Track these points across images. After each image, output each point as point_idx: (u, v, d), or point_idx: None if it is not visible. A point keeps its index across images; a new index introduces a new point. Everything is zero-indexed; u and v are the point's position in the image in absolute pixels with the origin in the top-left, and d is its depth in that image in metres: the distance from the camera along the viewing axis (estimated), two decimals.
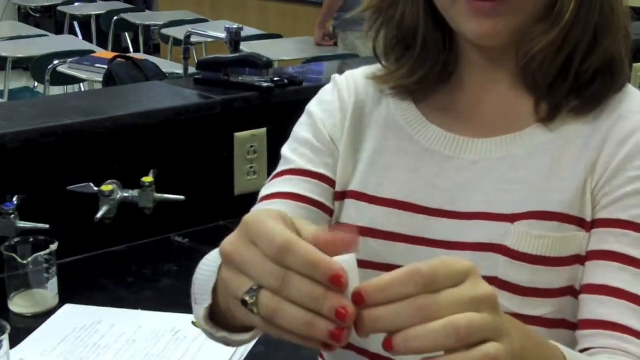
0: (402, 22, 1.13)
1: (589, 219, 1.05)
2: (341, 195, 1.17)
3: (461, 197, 1.10)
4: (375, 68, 1.20)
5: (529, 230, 1.04)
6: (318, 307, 0.69)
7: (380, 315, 0.70)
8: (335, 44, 5.36)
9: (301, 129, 1.21)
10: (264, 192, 1.18)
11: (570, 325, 1.05)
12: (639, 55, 3.11)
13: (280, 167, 1.19)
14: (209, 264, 0.94)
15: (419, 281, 0.70)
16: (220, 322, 0.91)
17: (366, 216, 1.13)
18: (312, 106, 1.22)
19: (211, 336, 0.95)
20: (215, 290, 0.88)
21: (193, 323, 0.95)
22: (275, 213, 0.74)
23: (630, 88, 1.11)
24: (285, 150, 1.21)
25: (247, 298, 0.72)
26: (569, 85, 1.08)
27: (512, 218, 1.06)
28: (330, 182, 1.17)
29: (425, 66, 1.14)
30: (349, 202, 1.16)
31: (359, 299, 0.70)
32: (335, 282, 0.69)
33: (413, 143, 1.14)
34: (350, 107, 1.19)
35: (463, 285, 0.72)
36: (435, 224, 1.10)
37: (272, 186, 1.17)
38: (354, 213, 1.15)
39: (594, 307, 1.02)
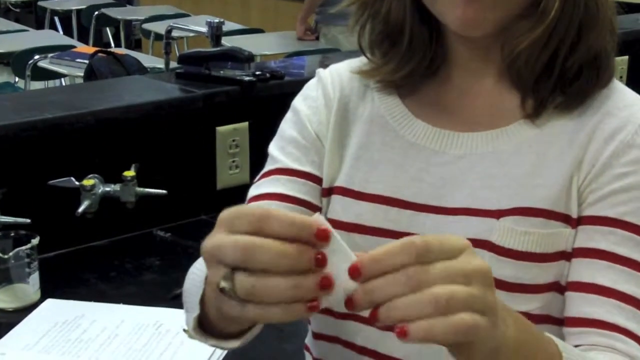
0: (388, 16, 1.13)
1: (574, 215, 1.05)
2: (328, 192, 1.17)
3: (447, 192, 1.10)
4: (359, 62, 1.20)
5: (514, 226, 1.05)
6: (294, 265, 0.70)
7: (374, 287, 0.71)
8: (317, 39, 5.36)
9: (287, 126, 1.21)
10: (252, 192, 1.18)
11: (555, 321, 1.06)
12: (621, 49, 3.13)
13: (268, 167, 1.19)
14: (197, 273, 0.95)
15: (412, 252, 0.71)
16: (211, 330, 0.91)
17: (352, 212, 1.13)
18: (298, 102, 1.22)
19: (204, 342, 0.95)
20: (203, 300, 0.88)
21: (185, 330, 0.95)
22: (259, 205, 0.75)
23: (616, 84, 1.11)
24: (272, 148, 1.21)
25: (223, 284, 0.72)
26: (554, 81, 1.08)
27: (498, 214, 1.06)
28: (317, 180, 1.17)
29: (412, 61, 1.13)
30: (335, 198, 1.15)
31: (355, 272, 0.71)
32: (322, 237, 0.70)
33: (399, 138, 1.14)
34: (335, 103, 1.18)
35: (456, 259, 0.73)
36: (421, 219, 1.10)
37: (260, 187, 1.17)
38: (339, 209, 1.14)
39: (581, 304, 1.02)
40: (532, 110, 1.09)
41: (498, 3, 1.04)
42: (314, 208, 1.15)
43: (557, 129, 1.08)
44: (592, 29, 1.06)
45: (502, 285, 1.03)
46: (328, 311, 1.16)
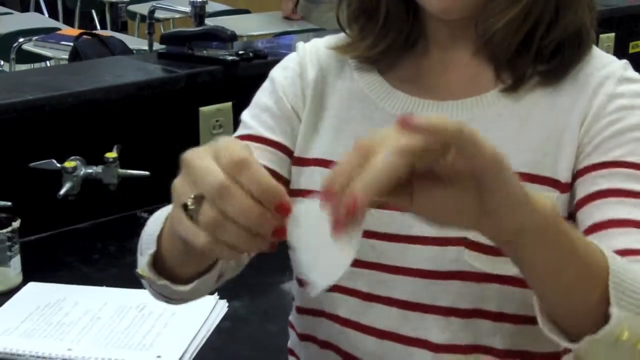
0: None
1: (564, 179, 1.05)
2: (300, 161, 1.16)
3: None
4: (337, 38, 1.19)
5: None
6: (254, 227, 0.73)
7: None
8: (303, 18, 5.33)
9: (263, 94, 1.21)
10: None
11: None
12: (606, 26, 3.12)
13: (239, 132, 1.20)
14: (158, 216, 0.99)
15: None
16: (163, 272, 0.96)
17: None
18: (275, 73, 1.21)
19: (152, 286, 1.00)
20: (160, 239, 0.93)
21: (136, 273, 1.00)
22: (246, 144, 0.77)
23: (594, 49, 1.11)
24: (245, 115, 1.21)
25: (189, 202, 0.75)
26: (531, 58, 1.08)
27: None
28: (287, 151, 1.17)
29: (389, 37, 1.13)
30: (314, 170, 1.15)
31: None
32: (281, 211, 0.74)
33: (378, 110, 1.14)
34: (312, 76, 1.18)
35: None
36: None
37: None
38: (319, 179, 1.13)
39: (606, 241, 0.98)
40: (510, 83, 1.09)
41: None
42: (279, 179, 1.14)
43: (537, 94, 1.09)
44: (570, 7, 1.07)
45: (488, 249, 1.03)
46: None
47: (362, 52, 1.15)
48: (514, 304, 1.05)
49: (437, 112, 1.10)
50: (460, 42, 1.12)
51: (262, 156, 1.14)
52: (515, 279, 1.04)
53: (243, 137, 1.17)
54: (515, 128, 1.07)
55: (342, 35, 1.18)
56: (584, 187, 1.04)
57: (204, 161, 0.75)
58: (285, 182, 1.16)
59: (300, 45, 1.22)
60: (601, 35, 3.12)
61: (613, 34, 3.17)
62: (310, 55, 1.20)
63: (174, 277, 0.96)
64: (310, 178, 1.15)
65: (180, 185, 0.78)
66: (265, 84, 1.22)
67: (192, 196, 0.75)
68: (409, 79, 1.14)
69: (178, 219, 0.77)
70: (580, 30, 1.08)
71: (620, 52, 3.20)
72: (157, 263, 0.96)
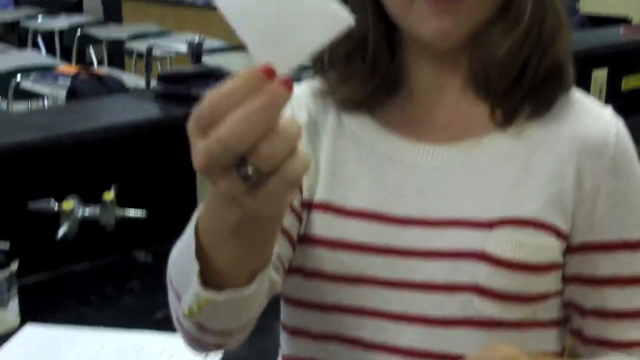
0: (351, 30, 1.12)
1: (563, 228, 1.06)
2: (308, 206, 1.14)
3: (429, 204, 1.09)
4: (317, 82, 1.17)
5: (509, 236, 1.05)
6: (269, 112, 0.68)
7: None
8: None
9: None
10: None
11: (541, 325, 1.08)
12: (599, 62, 3.15)
13: None
14: (179, 244, 0.91)
15: None
16: (216, 284, 0.86)
17: (336, 228, 1.11)
18: None
19: (214, 310, 0.88)
20: (198, 253, 0.84)
21: (185, 315, 0.89)
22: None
23: (577, 93, 1.12)
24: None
25: (248, 171, 0.69)
26: (524, 89, 1.08)
27: (490, 225, 1.06)
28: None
29: (377, 77, 1.12)
30: (316, 215, 1.12)
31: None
32: (268, 73, 0.68)
33: (373, 153, 1.13)
34: (303, 120, 1.16)
35: None
36: (406, 233, 1.09)
37: None
38: (322, 225, 1.12)
39: (596, 328, 1.11)
40: (502, 119, 1.09)
41: (472, 11, 1.03)
42: (296, 214, 1.11)
43: (533, 138, 1.09)
44: (560, 35, 1.08)
45: (498, 295, 1.04)
46: (303, 333, 1.16)
47: (350, 94, 1.13)
48: (525, 350, 1.05)
49: (434, 156, 1.10)
50: (447, 77, 1.11)
51: None
52: (525, 323, 1.06)
53: None
54: (515, 174, 1.08)
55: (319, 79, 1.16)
56: (582, 264, 1.09)
57: (210, 143, 0.69)
58: (300, 218, 1.11)
59: None
60: (594, 72, 3.14)
61: (606, 70, 3.19)
62: (298, 100, 1.18)
63: (232, 281, 0.86)
64: (315, 224, 1.12)
65: (218, 187, 0.72)
66: None
67: (239, 166, 0.70)
68: (401, 121, 1.14)
69: (226, 206, 0.75)
70: (563, 59, 1.09)
71: (613, 88, 3.22)
72: (206, 279, 0.86)
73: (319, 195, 1.13)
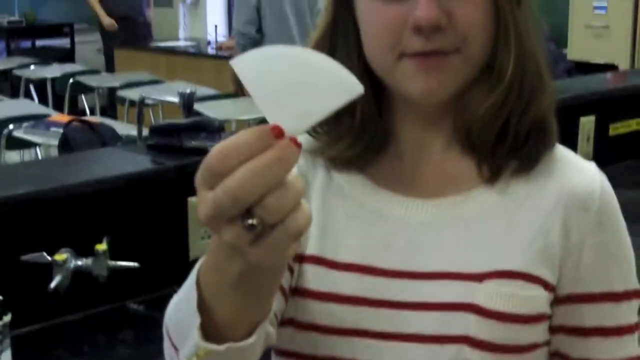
0: None
1: (550, 280, 1.09)
2: (299, 258, 1.15)
3: (418, 257, 1.11)
4: (305, 140, 1.17)
5: (498, 289, 1.07)
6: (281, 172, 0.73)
7: None
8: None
9: None
10: None
11: None
12: (586, 109, 3.18)
13: None
14: (180, 294, 0.93)
15: None
16: (216, 337, 0.87)
17: (327, 281, 1.13)
18: None
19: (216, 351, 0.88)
20: (199, 305, 0.86)
21: None
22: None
23: (561, 149, 1.15)
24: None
25: (251, 221, 0.73)
26: (508, 146, 1.10)
27: (479, 277, 1.08)
28: None
29: (366, 136, 1.14)
30: (308, 268, 1.14)
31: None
32: (277, 133, 0.73)
33: (363, 207, 1.15)
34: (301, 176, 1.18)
35: None
36: (396, 286, 1.11)
37: None
38: (313, 278, 1.13)
39: None
40: (488, 175, 1.12)
41: (456, 70, 1.06)
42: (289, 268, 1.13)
43: (518, 195, 1.11)
44: (541, 92, 1.10)
45: (488, 347, 1.06)
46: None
47: (340, 153, 1.15)
48: None
49: (422, 210, 1.12)
50: (433, 133, 1.13)
51: None
52: None
53: None
54: (501, 229, 1.10)
55: (306, 137, 1.17)
56: (567, 314, 1.11)
57: (220, 193, 0.73)
58: (292, 270, 1.13)
59: None
60: (581, 118, 3.16)
61: (593, 117, 3.22)
62: None
63: (229, 335, 0.87)
64: (307, 277, 1.13)
65: (220, 237, 0.76)
66: None
67: (243, 217, 0.73)
68: (390, 176, 1.15)
69: (227, 256, 0.78)
70: (545, 116, 1.11)
71: (600, 135, 3.24)
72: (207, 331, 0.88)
73: (310, 249, 1.15)
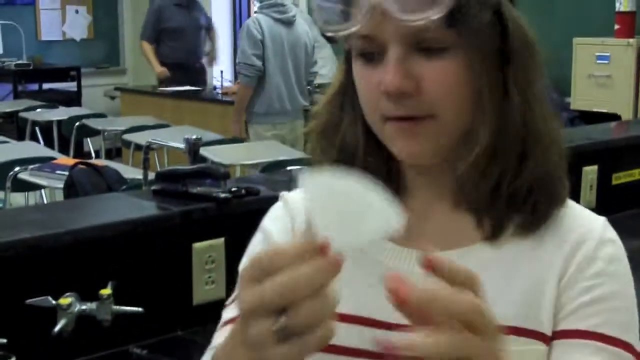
0: (342, 144, 1.16)
1: (548, 332, 1.08)
2: None
3: None
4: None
5: None
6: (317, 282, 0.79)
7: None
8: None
9: (256, 247, 1.23)
10: (225, 316, 1.20)
11: None
12: (589, 159, 3.20)
13: (238, 289, 1.22)
14: None
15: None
16: None
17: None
18: (266, 224, 1.24)
19: None
20: None
21: None
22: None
23: (571, 203, 1.15)
24: (242, 269, 1.23)
25: (282, 322, 0.78)
26: (504, 204, 1.10)
27: None
28: None
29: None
30: None
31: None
32: (324, 248, 0.81)
33: (368, 258, 1.15)
34: (299, 225, 1.20)
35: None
36: (395, 337, 1.11)
37: (232, 310, 1.19)
38: None
39: None
40: (489, 232, 1.12)
41: (432, 134, 1.07)
42: None
43: (519, 248, 1.11)
44: (540, 150, 1.10)
45: None
46: None
47: None
48: None
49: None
50: (438, 189, 1.15)
51: None
52: None
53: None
54: (499, 281, 1.10)
55: None
56: (556, 352, 1.08)
57: (256, 291, 0.79)
58: None
59: (286, 195, 1.25)
60: (584, 168, 3.19)
61: (596, 167, 3.24)
62: (296, 204, 1.22)
63: None
64: None
65: (248, 337, 0.81)
66: (258, 237, 1.24)
67: (274, 321, 0.79)
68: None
69: (263, 346, 0.79)
70: (547, 176, 1.11)
71: (603, 184, 3.26)
72: None
73: None
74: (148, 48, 8.24)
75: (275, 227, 1.23)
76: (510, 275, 1.10)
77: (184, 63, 8.26)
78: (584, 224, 1.12)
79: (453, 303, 0.81)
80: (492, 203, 1.11)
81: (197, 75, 8.45)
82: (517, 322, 1.07)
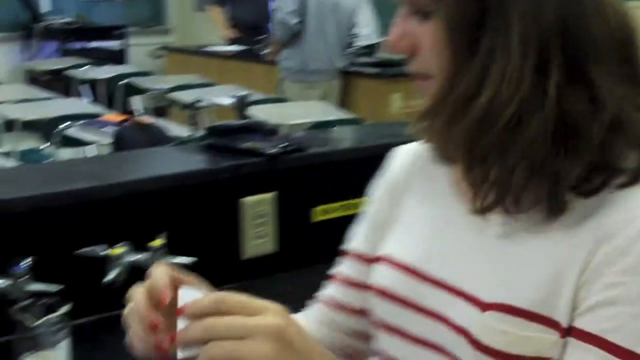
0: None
1: (564, 323, 1.01)
2: (376, 260, 1.25)
3: (454, 269, 1.13)
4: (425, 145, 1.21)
5: (494, 323, 1.04)
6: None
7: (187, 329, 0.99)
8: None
9: (370, 200, 1.34)
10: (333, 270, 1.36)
11: None
12: None
13: (347, 244, 1.35)
14: None
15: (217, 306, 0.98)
16: None
17: (388, 279, 1.20)
18: (380, 179, 1.33)
19: None
20: None
21: None
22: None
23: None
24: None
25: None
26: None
27: (483, 306, 1.06)
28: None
29: None
30: (379, 266, 1.23)
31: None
32: (162, 302, 1.13)
33: (447, 208, 1.19)
34: (401, 180, 1.28)
35: (252, 317, 0.96)
36: (429, 292, 1.15)
37: (337, 265, 1.35)
38: (380, 275, 1.22)
39: None
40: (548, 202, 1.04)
41: (433, 95, 1.10)
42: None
43: (542, 225, 1.05)
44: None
45: None
46: None
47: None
48: None
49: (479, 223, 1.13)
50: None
51: (359, 273, 1.31)
52: None
53: (347, 253, 1.36)
54: (518, 257, 1.06)
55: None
56: (568, 352, 1.01)
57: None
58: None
59: (396, 150, 1.33)
60: None
61: None
62: (402, 161, 1.30)
63: None
64: (374, 274, 1.24)
65: None
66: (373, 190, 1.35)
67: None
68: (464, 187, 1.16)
69: None
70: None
71: None
72: None
73: (385, 249, 1.24)
74: (215, 12, 8.30)
75: (381, 185, 1.32)
76: (532, 253, 1.05)
77: (254, 26, 8.28)
78: (630, 208, 0.99)
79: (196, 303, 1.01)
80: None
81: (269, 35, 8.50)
82: (530, 305, 1.02)
